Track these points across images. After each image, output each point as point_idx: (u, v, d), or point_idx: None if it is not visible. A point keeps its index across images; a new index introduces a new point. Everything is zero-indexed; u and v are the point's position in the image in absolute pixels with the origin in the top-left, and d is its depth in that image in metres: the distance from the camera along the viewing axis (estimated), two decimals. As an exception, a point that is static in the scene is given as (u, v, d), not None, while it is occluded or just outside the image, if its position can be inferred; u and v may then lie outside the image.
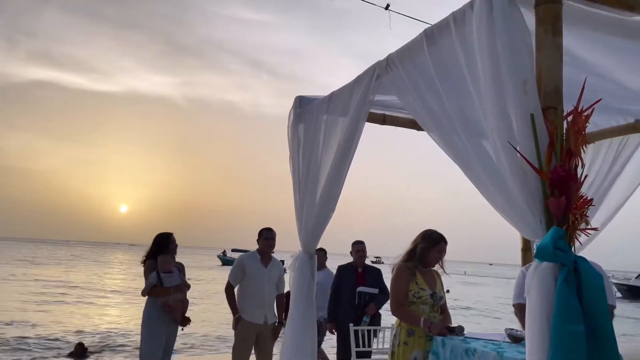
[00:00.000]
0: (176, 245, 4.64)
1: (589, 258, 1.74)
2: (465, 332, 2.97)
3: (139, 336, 4.43)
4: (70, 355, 8.63)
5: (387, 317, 3.74)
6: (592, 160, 3.71)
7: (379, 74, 2.63)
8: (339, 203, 3.11)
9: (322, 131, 3.20)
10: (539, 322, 1.64)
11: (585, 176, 1.79)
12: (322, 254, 5.63)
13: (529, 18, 1.85)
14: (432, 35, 2.22)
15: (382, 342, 4.60)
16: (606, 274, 2.83)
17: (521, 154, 1.75)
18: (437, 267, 3.32)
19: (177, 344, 4.78)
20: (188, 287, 4.58)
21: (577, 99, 1.77)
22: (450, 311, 3.48)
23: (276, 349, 4.70)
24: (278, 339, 4.70)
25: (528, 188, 1.74)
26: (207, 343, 10.61)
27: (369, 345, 4.52)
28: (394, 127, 3.75)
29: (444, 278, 3.37)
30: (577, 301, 1.56)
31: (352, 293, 4.99)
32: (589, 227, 1.82)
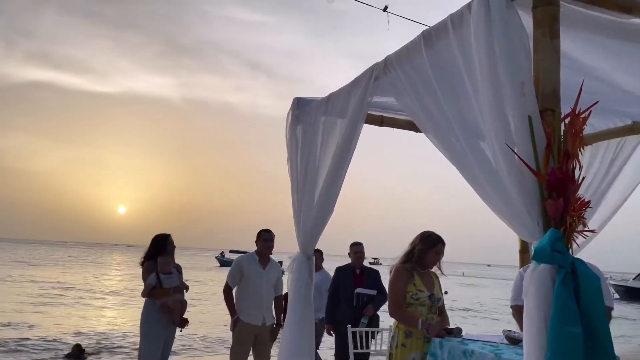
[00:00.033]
0: (174, 247, 4.63)
1: (586, 259, 1.75)
2: (463, 333, 2.97)
3: (137, 337, 4.42)
4: (67, 356, 8.61)
5: (386, 318, 3.74)
6: (590, 162, 3.72)
7: (377, 75, 2.63)
8: (337, 204, 3.11)
9: (320, 133, 3.20)
10: (536, 324, 1.64)
11: (583, 178, 1.80)
12: (318, 255, 5.63)
13: (527, 20, 1.85)
14: (430, 37, 2.22)
15: (380, 343, 4.60)
16: (604, 276, 2.83)
17: (519, 156, 1.76)
18: (435, 269, 3.32)
19: (175, 346, 4.78)
20: (186, 288, 4.58)
21: (574, 101, 1.78)
22: (449, 312, 3.48)
23: (274, 351, 4.70)
24: (276, 340, 4.70)
25: (526, 190, 1.74)
26: (205, 344, 10.60)
27: (367, 347, 4.51)
28: (391, 128, 3.75)
29: (442, 279, 3.37)
30: (575, 303, 1.56)
31: (350, 294, 4.99)
32: (586, 229, 1.82)
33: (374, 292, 5.02)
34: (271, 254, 4.75)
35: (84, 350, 8.89)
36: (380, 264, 51.30)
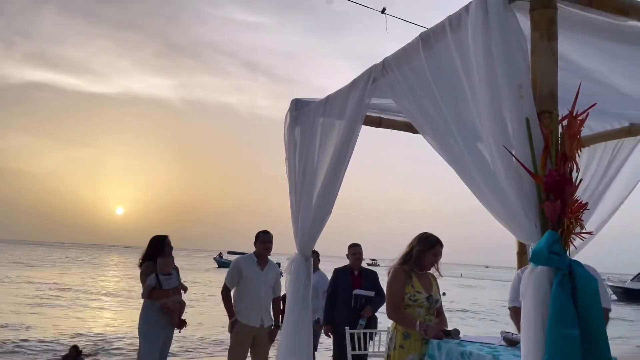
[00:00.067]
0: (171, 248, 4.63)
1: (584, 261, 1.75)
2: (461, 335, 2.97)
3: (135, 339, 4.42)
4: (64, 358, 8.56)
5: (384, 320, 3.75)
6: (587, 164, 3.73)
7: (375, 77, 2.63)
8: (336, 205, 3.11)
9: (319, 134, 3.20)
10: (534, 326, 1.64)
11: (580, 180, 1.80)
12: (314, 256, 5.63)
13: (524, 23, 1.86)
14: (428, 39, 2.23)
15: (378, 345, 4.60)
16: (601, 277, 2.84)
17: (516, 158, 1.76)
18: (432, 270, 3.33)
19: (173, 347, 4.78)
20: (185, 289, 4.58)
21: (572, 103, 1.78)
22: (447, 314, 3.48)
23: (272, 352, 4.69)
24: (274, 342, 4.69)
25: (523, 192, 1.75)
26: (202, 346, 10.58)
27: (365, 349, 4.51)
28: (390, 130, 3.76)
29: (440, 281, 3.37)
30: (572, 305, 1.57)
31: (348, 296, 4.99)
32: (583, 231, 1.82)
33: (372, 294, 5.02)
34: (269, 255, 4.75)
35: (81, 351, 8.85)
36: (378, 265, 51.28)
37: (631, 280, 33.23)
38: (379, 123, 3.66)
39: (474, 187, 1.98)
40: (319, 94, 3.35)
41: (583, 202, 1.76)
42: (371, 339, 4.69)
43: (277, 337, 4.50)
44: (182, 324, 4.47)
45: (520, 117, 1.75)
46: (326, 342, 5.97)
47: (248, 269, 4.58)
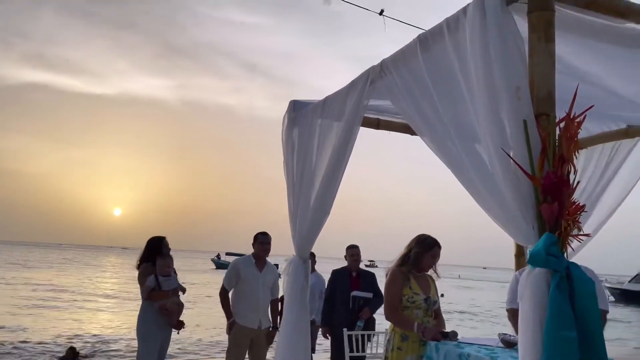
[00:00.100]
0: (169, 249, 4.63)
1: (582, 262, 1.75)
2: (459, 337, 2.97)
3: (132, 341, 4.43)
4: (61, 359, 8.54)
5: (382, 321, 3.74)
6: (585, 166, 3.73)
7: (373, 79, 2.63)
8: (334, 206, 3.11)
9: (317, 135, 3.20)
10: (531, 328, 1.64)
11: (578, 182, 1.80)
12: (311, 257, 5.63)
13: (522, 25, 1.86)
14: (426, 40, 2.23)
15: (376, 346, 4.59)
16: (599, 279, 2.84)
17: (514, 160, 1.76)
18: (431, 272, 3.33)
19: (171, 349, 4.77)
20: (183, 290, 4.58)
21: (569, 105, 1.79)
22: (445, 315, 3.48)
23: (270, 354, 4.68)
24: (272, 343, 4.69)
25: (521, 194, 1.75)
26: (200, 347, 10.55)
27: (363, 350, 4.51)
28: (388, 131, 3.76)
29: (438, 282, 3.37)
30: (570, 307, 1.57)
31: (346, 297, 4.99)
32: (581, 233, 1.83)
33: (370, 295, 5.02)
34: (267, 256, 4.75)
35: (78, 353, 8.83)
36: (376, 266, 51.28)
37: (629, 281, 33.25)
38: (377, 124, 3.67)
39: (472, 189, 1.99)
40: (318, 95, 3.35)
41: (580, 204, 1.76)
42: (369, 340, 4.69)
43: (275, 338, 4.49)
44: (180, 325, 4.47)
45: (517, 119, 1.75)
46: (324, 343, 5.96)
47: (246, 270, 4.57)
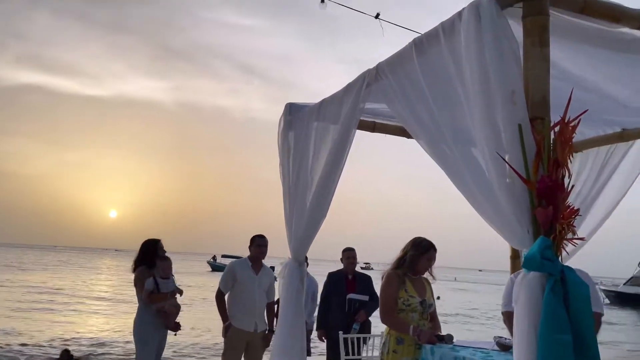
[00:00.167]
0: (164, 251, 4.62)
1: (578, 265, 1.75)
2: (454, 340, 2.97)
3: (127, 343, 4.43)
4: (56, 362, 8.49)
5: (378, 324, 3.74)
6: (580, 170, 3.74)
7: (369, 82, 2.64)
8: (330, 209, 3.11)
9: (313, 138, 3.20)
10: (526, 331, 1.65)
11: (572, 186, 1.81)
12: None
13: (517, 29, 1.87)
14: (422, 44, 2.24)
15: (372, 349, 4.59)
16: (593, 282, 2.85)
17: (509, 164, 1.77)
18: (427, 275, 3.33)
19: (166, 352, 4.75)
20: (181, 292, 4.58)
21: (563, 110, 1.80)
22: (441, 318, 3.49)
23: (265, 357, 4.67)
24: (268, 346, 4.68)
25: (516, 198, 1.75)
26: (196, 350, 10.51)
27: (359, 353, 4.50)
28: (384, 134, 3.77)
29: (434, 284, 3.38)
30: (564, 311, 1.57)
31: (342, 300, 4.98)
32: (575, 237, 1.83)
33: (366, 298, 5.01)
34: (264, 259, 4.75)
35: (73, 355, 8.77)
36: (372, 269, 51.26)
37: (624, 284, 33.37)
38: (372, 127, 3.67)
39: (467, 192, 1.99)
40: (314, 98, 3.36)
41: (575, 208, 1.77)
42: (365, 343, 4.69)
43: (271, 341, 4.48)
44: (177, 327, 4.48)
45: (512, 123, 1.76)
46: (320, 346, 5.95)
47: (242, 273, 4.56)
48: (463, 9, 1.96)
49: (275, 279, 4.65)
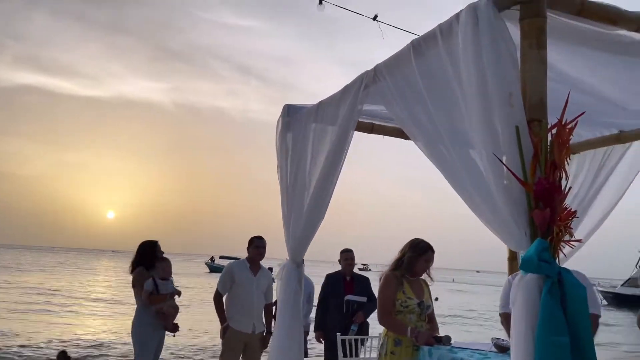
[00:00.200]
0: (162, 252, 4.61)
1: (576, 266, 1.76)
2: (452, 341, 2.97)
3: (124, 345, 4.42)
4: (52, 364, 8.46)
5: (375, 325, 3.74)
6: (577, 172, 3.75)
7: (367, 84, 2.64)
8: (328, 210, 3.11)
9: (311, 140, 3.20)
10: (524, 333, 1.65)
11: (570, 188, 1.81)
12: None
13: (514, 32, 1.87)
14: (419, 46, 2.24)
15: (370, 351, 4.59)
16: (590, 283, 2.86)
17: (506, 166, 1.77)
18: (424, 276, 3.33)
19: (164, 354, 4.75)
20: (179, 293, 4.57)
21: (560, 112, 1.80)
22: (439, 319, 3.49)
23: (264, 358, 4.66)
24: (266, 348, 4.67)
25: (513, 199, 1.76)
26: (193, 352, 10.49)
27: (357, 355, 4.50)
28: (382, 136, 3.77)
29: (433, 286, 3.38)
30: (562, 313, 1.58)
31: (340, 301, 4.98)
32: (573, 238, 1.84)
33: (364, 299, 5.01)
34: (262, 260, 4.74)
35: (70, 357, 8.73)
36: (370, 270, 51.26)
37: (621, 285, 33.43)
38: (371, 129, 3.67)
39: (464, 194, 1.99)
40: (312, 99, 3.36)
41: (572, 210, 1.78)
42: (362, 345, 4.68)
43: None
44: (175, 328, 4.48)
45: (510, 125, 1.76)
46: (317, 347, 5.94)
47: (241, 274, 4.56)
48: (460, 11, 1.97)
49: (273, 280, 4.64)
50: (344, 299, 4.97)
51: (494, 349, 2.84)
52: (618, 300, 31.44)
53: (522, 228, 1.73)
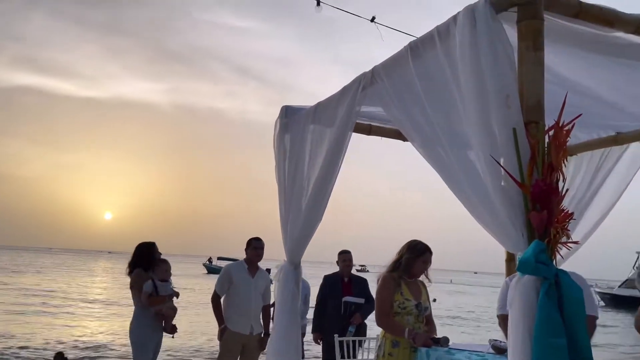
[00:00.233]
0: (160, 254, 4.61)
1: (573, 267, 1.76)
2: (450, 343, 2.97)
3: (121, 346, 4.42)
4: (49, 365, 8.43)
5: (373, 327, 3.74)
6: (574, 173, 3.76)
7: (365, 85, 2.64)
8: (326, 211, 3.10)
9: (309, 141, 3.20)
10: (521, 335, 1.65)
11: (567, 190, 1.82)
12: None
13: (512, 34, 1.88)
14: (417, 48, 2.24)
15: (368, 352, 4.59)
16: (588, 284, 2.86)
17: (504, 168, 1.77)
18: (422, 278, 3.33)
19: (161, 355, 4.74)
20: (177, 295, 4.57)
21: (557, 114, 1.80)
22: (437, 320, 3.49)
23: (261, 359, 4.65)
24: (264, 349, 4.66)
25: (510, 201, 1.76)
26: (191, 352, 10.47)
27: (354, 356, 4.50)
28: (380, 137, 3.78)
29: (431, 287, 3.38)
30: (559, 314, 1.58)
31: (338, 303, 4.98)
32: (570, 240, 1.84)
33: (362, 301, 5.01)
34: (260, 261, 4.74)
35: (67, 358, 8.71)
36: (367, 271, 51.25)
37: (619, 286, 33.47)
38: (369, 130, 3.68)
39: (462, 195, 2.00)
40: (311, 100, 3.36)
41: (569, 212, 1.78)
42: (360, 346, 4.68)
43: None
44: (173, 329, 4.48)
45: (507, 127, 1.76)
46: (315, 349, 5.94)
47: (238, 275, 4.56)
48: (458, 12, 1.97)
49: (271, 281, 4.64)
50: (341, 301, 4.97)
51: (491, 350, 2.84)
52: (616, 302, 31.48)
53: (519, 230, 1.73)
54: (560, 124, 1.78)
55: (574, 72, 2.47)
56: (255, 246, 4.62)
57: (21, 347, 10.00)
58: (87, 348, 10.26)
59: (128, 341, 4.44)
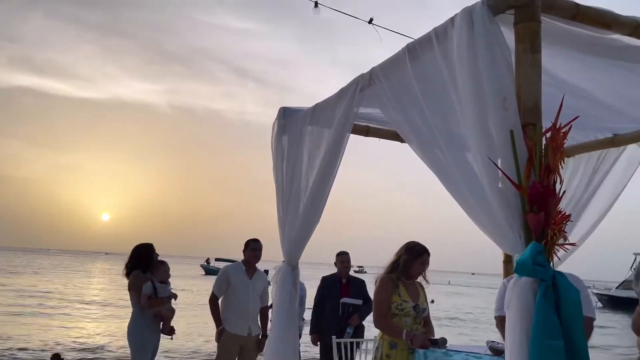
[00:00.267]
0: (157, 255, 4.60)
1: (570, 268, 1.76)
2: (447, 344, 2.97)
3: (119, 348, 4.41)
4: (46, 367, 8.40)
5: (371, 328, 3.74)
6: (572, 175, 3.77)
7: (363, 87, 2.64)
8: (324, 212, 3.10)
9: (307, 142, 3.20)
10: (518, 337, 1.65)
11: (564, 191, 1.82)
12: None
13: (509, 36, 1.88)
14: (415, 50, 2.25)
15: (365, 354, 4.58)
16: (585, 286, 2.86)
17: (501, 170, 1.78)
18: (420, 279, 3.33)
19: (159, 356, 4.73)
20: (175, 297, 4.57)
21: (555, 116, 1.81)
22: (434, 322, 3.49)
23: (259, 361, 4.65)
24: (261, 351, 4.66)
25: (507, 203, 1.76)
26: (188, 354, 10.44)
27: (352, 358, 4.49)
28: (377, 138, 3.78)
29: (429, 288, 3.38)
30: (556, 316, 1.58)
31: (335, 304, 4.98)
32: (567, 242, 1.84)
33: (359, 302, 5.01)
34: (257, 263, 4.74)
35: (63, 359, 8.69)
36: (365, 272, 51.26)
37: (616, 287, 33.51)
38: (366, 132, 3.68)
39: (459, 197, 2.00)
40: (309, 101, 3.36)
41: (566, 214, 1.78)
42: (358, 348, 4.68)
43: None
44: (171, 331, 4.47)
45: (504, 129, 1.77)
46: (313, 350, 5.94)
47: (236, 277, 4.55)
48: (456, 14, 1.98)
49: (269, 283, 4.64)
50: (339, 302, 4.97)
51: (489, 351, 2.85)
52: (613, 303, 31.51)
53: (516, 231, 1.74)
54: (557, 126, 1.79)
55: (571, 74, 2.48)
56: (253, 247, 4.61)
57: (20, 349, 9.97)
58: (84, 350, 10.23)
59: (126, 343, 4.43)
